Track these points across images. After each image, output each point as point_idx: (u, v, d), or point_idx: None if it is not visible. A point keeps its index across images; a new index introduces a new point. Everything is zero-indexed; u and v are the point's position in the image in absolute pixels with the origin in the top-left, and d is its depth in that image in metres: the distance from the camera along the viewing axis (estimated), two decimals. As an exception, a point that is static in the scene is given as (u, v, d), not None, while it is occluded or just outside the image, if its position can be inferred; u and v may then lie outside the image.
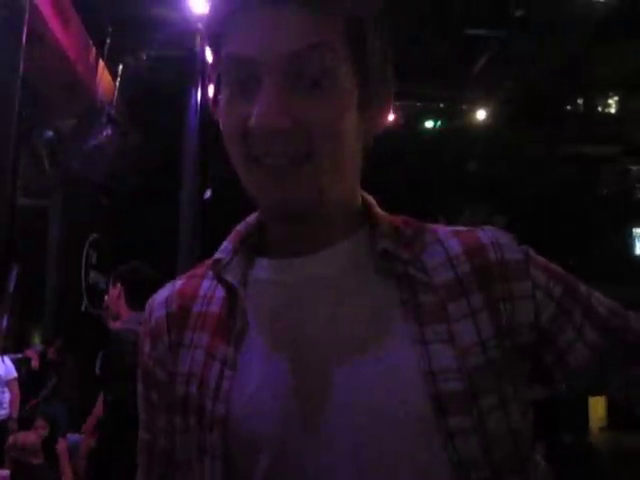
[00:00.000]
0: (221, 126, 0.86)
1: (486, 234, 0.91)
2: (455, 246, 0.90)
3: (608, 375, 0.94)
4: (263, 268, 0.92)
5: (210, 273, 0.94)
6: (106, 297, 4.66)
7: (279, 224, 0.91)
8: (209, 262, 0.94)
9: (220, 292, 0.92)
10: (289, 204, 0.83)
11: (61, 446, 5.29)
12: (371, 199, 0.95)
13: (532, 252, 0.92)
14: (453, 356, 0.83)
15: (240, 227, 0.97)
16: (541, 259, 0.93)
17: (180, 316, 0.94)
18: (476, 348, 0.84)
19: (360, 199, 0.94)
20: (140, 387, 0.99)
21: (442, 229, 0.94)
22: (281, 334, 0.87)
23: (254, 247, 0.95)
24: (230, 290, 0.90)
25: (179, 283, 0.98)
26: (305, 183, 0.82)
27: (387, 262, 0.87)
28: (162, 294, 0.99)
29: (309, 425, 0.82)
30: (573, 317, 0.91)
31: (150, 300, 1.00)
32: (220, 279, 0.91)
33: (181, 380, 0.91)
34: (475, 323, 0.85)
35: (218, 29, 0.86)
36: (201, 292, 0.95)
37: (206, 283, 0.95)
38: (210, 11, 0.88)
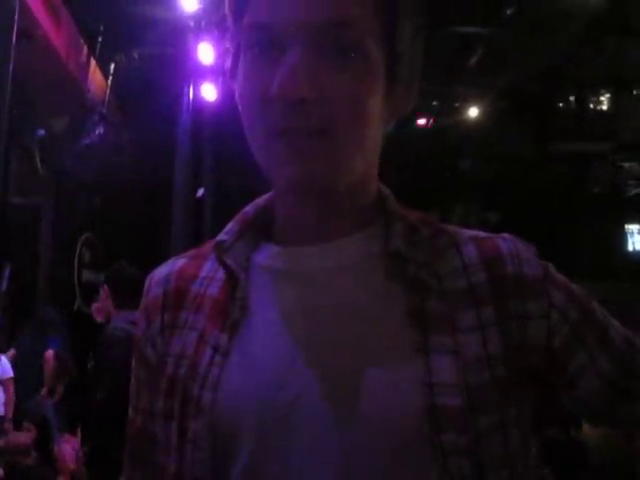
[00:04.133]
0: (238, 98, 0.83)
1: (506, 244, 0.86)
2: (472, 253, 0.85)
3: (618, 408, 0.89)
4: (269, 254, 0.88)
5: (213, 254, 0.90)
6: (92, 305, 4.69)
7: (291, 205, 0.87)
8: (213, 242, 0.90)
9: (221, 274, 0.89)
10: (306, 178, 0.79)
11: (63, 448, 5.28)
12: (388, 192, 0.91)
13: (552, 269, 0.88)
14: (455, 369, 0.78)
15: (248, 209, 0.93)
16: (561, 277, 0.88)
17: (177, 296, 0.91)
18: (481, 364, 0.79)
19: (377, 190, 0.90)
20: (133, 365, 0.96)
21: (461, 232, 0.89)
22: (282, 325, 0.83)
23: (261, 231, 0.91)
24: (231, 274, 0.87)
25: (181, 262, 0.95)
26: (323, 158, 0.78)
27: (398, 263, 0.83)
28: (161, 271, 0.96)
29: (293, 422, 0.79)
30: (587, 343, 0.86)
31: (149, 276, 0.97)
32: (221, 262, 0.88)
33: (171, 361, 0.88)
34: (483, 337, 0.80)
35: None
36: (202, 272, 0.92)
37: (208, 264, 0.92)
38: None
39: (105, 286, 3.90)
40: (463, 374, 0.78)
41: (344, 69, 0.77)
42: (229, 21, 0.85)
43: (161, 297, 0.93)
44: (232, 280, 0.87)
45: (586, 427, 5.85)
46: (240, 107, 0.83)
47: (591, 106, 12.16)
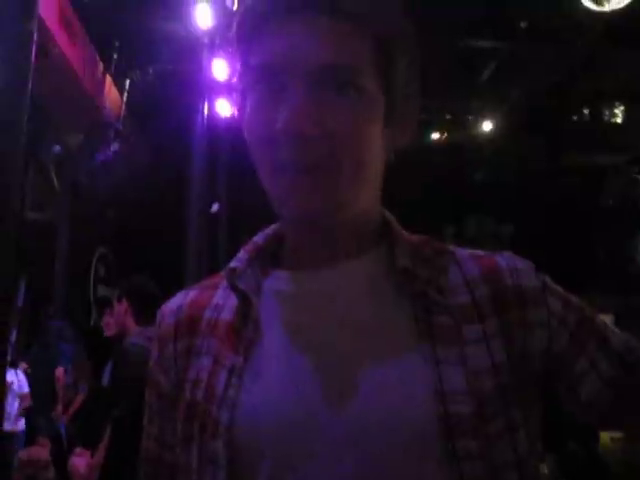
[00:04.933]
0: (246, 134, 0.87)
1: (504, 259, 0.91)
2: (473, 269, 0.90)
3: (620, 410, 0.92)
4: (279, 279, 0.92)
5: (224, 283, 0.94)
6: (104, 319, 4.69)
7: (298, 234, 0.92)
8: (224, 271, 0.94)
9: (233, 300, 0.92)
10: (307, 212, 0.83)
11: (76, 461, 5.29)
12: (391, 216, 0.95)
13: (549, 280, 0.92)
14: (464, 379, 0.82)
15: (257, 238, 0.97)
16: (558, 288, 0.92)
17: (190, 324, 0.94)
18: (488, 373, 0.83)
19: (380, 215, 0.94)
20: (146, 394, 0.99)
21: (461, 251, 0.94)
22: (294, 345, 0.86)
23: (270, 259, 0.95)
24: (244, 299, 0.90)
25: (192, 293, 0.99)
26: (324, 192, 0.83)
27: (405, 280, 0.87)
28: (174, 302, 0.99)
29: (310, 436, 0.82)
30: (587, 348, 0.90)
31: (162, 308, 1.00)
32: (234, 287, 0.91)
33: (188, 387, 0.91)
34: (488, 347, 0.85)
35: (248, 34, 0.87)
36: (214, 300, 0.95)
37: (219, 292, 0.95)
38: (238, 21, 0.89)
39: (123, 300, 3.88)
40: (472, 382, 0.82)
41: (343, 106, 0.82)
42: (237, 62, 0.90)
43: (173, 326, 0.96)
44: (245, 304, 0.90)
45: (605, 440, 5.80)
46: (248, 143, 0.87)
47: (605, 119, 12.13)
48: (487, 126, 10.97)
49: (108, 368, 5.15)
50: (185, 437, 0.89)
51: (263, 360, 0.86)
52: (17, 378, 6.59)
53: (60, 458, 5.41)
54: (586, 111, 12.00)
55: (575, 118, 12.00)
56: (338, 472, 0.80)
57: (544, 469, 4.71)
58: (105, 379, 5.28)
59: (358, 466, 0.80)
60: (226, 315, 0.92)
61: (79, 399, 7.36)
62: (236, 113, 0.93)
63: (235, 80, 0.91)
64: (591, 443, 5.61)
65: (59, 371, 7.09)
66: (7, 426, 5.95)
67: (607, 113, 12.08)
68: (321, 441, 0.81)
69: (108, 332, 4.55)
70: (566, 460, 5.22)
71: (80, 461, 5.16)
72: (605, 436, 5.73)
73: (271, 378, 0.85)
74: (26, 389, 6.77)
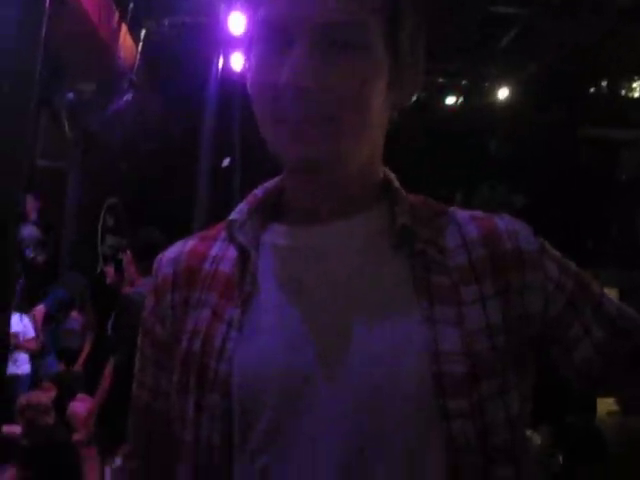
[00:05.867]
0: (249, 87, 0.88)
1: (503, 222, 0.92)
2: (472, 231, 0.90)
3: (613, 377, 0.93)
4: (277, 233, 0.93)
5: (223, 234, 0.95)
6: (106, 267, 4.72)
7: (299, 186, 0.92)
8: (223, 223, 0.95)
9: (232, 252, 0.93)
10: (311, 158, 0.84)
11: (74, 408, 5.36)
12: (392, 175, 0.95)
13: (547, 245, 0.93)
14: (459, 339, 0.83)
15: (258, 191, 0.97)
16: (556, 253, 0.93)
17: (187, 275, 0.95)
18: (483, 333, 0.84)
19: (381, 174, 0.95)
20: (139, 342, 1.00)
21: (460, 213, 0.94)
22: (292, 299, 0.87)
23: (270, 212, 0.95)
24: (242, 251, 0.91)
25: (190, 243, 0.99)
26: (327, 142, 0.83)
27: (404, 239, 0.88)
28: (171, 252, 1.00)
29: (310, 389, 0.83)
30: (582, 313, 0.91)
31: (158, 257, 1.01)
32: (232, 239, 0.91)
33: (185, 338, 0.91)
34: (484, 309, 0.85)
35: None
36: (212, 252, 0.96)
37: (218, 244, 0.96)
38: None
39: (128, 251, 3.90)
40: (467, 343, 0.83)
41: (348, 62, 0.83)
42: (245, 16, 0.92)
43: (171, 276, 0.96)
44: (243, 256, 0.90)
45: (601, 414, 5.84)
46: (251, 95, 0.88)
47: (623, 92, 11.99)
48: (503, 94, 10.85)
49: (112, 318, 5.21)
50: (181, 387, 0.90)
51: (261, 314, 0.87)
52: (21, 323, 6.65)
53: (62, 403, 5.49)
54: (604, 83, 11.85)
55: (593, 90, 11.85)
56: (334, 425, 0.82)
57: (537, 439, 4.74)
58: (109, 329, 5.33)
59: (352, 421, 0.82)
60: (224, 267, 0.93)
61: (87, 347, 7.44)
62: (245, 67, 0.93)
63: (245, 34, 0.92)
64: (588, 416, 5.65)
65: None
66: (12, 369, 6.02)
67: (625, 87, 11.93)
68: (318, 393, 0.83)
69: (109, 280, 4.60)
70: (563, 432, 5.26)
71: (80, 406, 5.24)
72: (602, 409, 5.77)
73: (269, 332, 0.86)
74: (31, 333, 6.83)
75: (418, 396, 0.81)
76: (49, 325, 7.27)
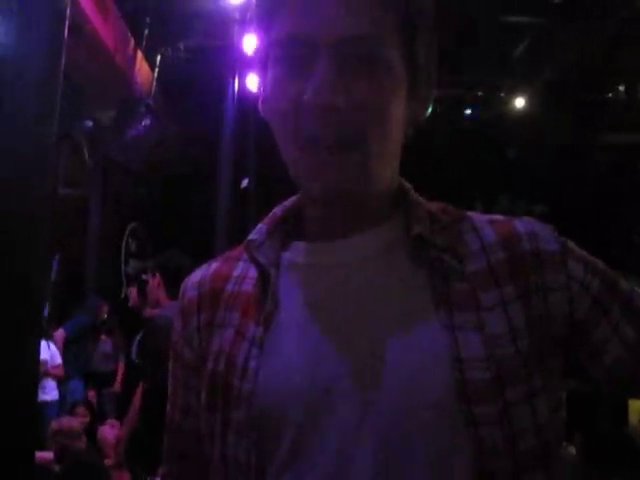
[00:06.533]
0: (267, 108, 0.87)
1: (522, 224, 0.90)
2: (490, 235, 0.89)
3: None
4: (298, 251, 0.93)
5: (245, 255, 0.95)
6: (129, 289, 4.74)
7: (319, 207, 0.91)
8: (244, 243, 0.95)
9: (253, 272, 0.93)
10: (336, 191, 0.83)
11: (104, 432, 5.38)
12: (408, 185, 0.95)
13: (571, 244, 0.91)
14: (481, 345, 0.82)
15: (277, 210, 0.97)
16: (580, 251, 0.91)
17: (212, 297, 0.96)
18: (506, 338, 0.83)
19: (397, 184, 0.94)
20: (171, 366, 1.01)
21: (478, 217, 0.93)
22: (312, 315, 0.88)
23: (290, 231, 0.95)
24: (262, 271, 0.91)
25: (214, 265, 1.00)
26: (354, 171, 0.83)
27: (421, 247, 0.87)
28: (196, 275, 1.01)
29: (331, 405, 0.83)
30: (610, 312, 0.89)
31: (185, 281, 1.02)
32: (253, 259, 0.92)
33: (211, 358, 0.92)
34: (506, 313, 0.84)
35: (269, 8, 0.86)
36: (235, 273, 0.96)
37: (241, 264, 0.97)
38: None
39: (156, 274, 3.91)
40: (490, 348, 0.82)
41: (370, 79, 0.82)
42: (259, 36, 0.90)
43: (196, 299, 0.97)
44: (264, 276, 0.91)
45: (633, 421, 5.76)
46: (270, 117, 0.87)
47: (641, 96, 11.91)
48: (520, 103, 10.83)
49: (136, 342, 5.23)
50: (209, 407, 0.91)
51: (283, 331, 0.88)
52: (49, 350, 6.70)
53: (92, 428, 5.52)
54: (621, 88, 11.79)
55: (610, 95, 11.79)
56: (360, 439, 0.81)
57: (572, 450, 4.69)
58: (133, 353, 5.35)
59: (379, 436, 0.81)
60: (247, 287, 0.93)
61: (121, 369, 7.48)
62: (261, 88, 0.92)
63: (257, 55, 0.91)
64: (620, 424, 5.58)
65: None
66: (40, 396, 6.05)
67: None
68: (342, 411, 0.82)
69: (132, 302, 4.62)
70: (596, 441, 5.19)
71: (109, 431, 5.25)
72: (634, 418, 5.69)
73: (291, 348, 0.86)
74: (58, 360, 6.88)
75: (443, 404, 0.80)
76: (70, 349, 7.31)
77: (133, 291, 4.60)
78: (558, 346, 0.87)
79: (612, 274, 0.92)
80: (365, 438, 0.81)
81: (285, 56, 0.84)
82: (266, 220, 0.96)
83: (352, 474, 0.81)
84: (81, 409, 6.21)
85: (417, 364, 0.82)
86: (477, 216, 0.94)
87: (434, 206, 0.94)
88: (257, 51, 0.91)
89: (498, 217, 0.93)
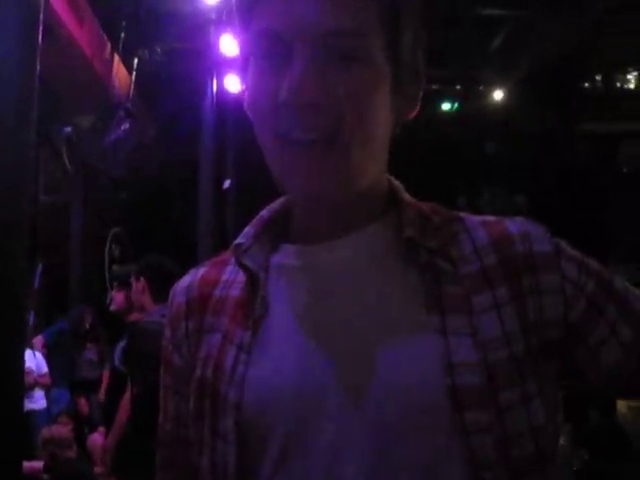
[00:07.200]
0: (249, 106, 0.85)
1: (515, 225, 0.88)
2: (482, 237, 0.87)
3: None
4: (287, 254, 0.90)
5: (233, 259, 0.93)
6: (112, 293, 4.72)
7: (305, 209, 0.90)
8: (231, 247, 0.93)
9: (242, 276, 0.91)
10: (317, 190, 0.81)
11: (94, 440, 5.36)
12: (398, 184, 0.93)
13: (564, 244, 0.89)
14: (474, 349, 0.80)
15: (264, 212, 0.95)
16: (574, 252, 0.89)
17: (200, 302, 0.94)
18: (499, 342, 0.81)
19: (387, 184, 0.92)
20: (162, 373, 0.99)
21: (470, 218, 0.91)
22: (301, 319, 0.86)
23: (279, 232, 0.93)
24: (251, 275, 0.89)
25: (202, 270, 0.98)
26: (335, 169, 0.80)
27: (412, 250, 0.85)
28: (184, 281, 0.99)
29: (320, 410, 0.81)
30: (606, 313, 0.86)
31: (173, 287, 1.00)
32: (240, 264, 0.90)
33: (199, 364, 0.90)
34: (499, 316, 0.82)
35: (249, 3, 0.84)
36: (223, 277, 0.94)
37: (229, 268, 0.95)
38: None
39: (141, 279, 3.89)
40: (482, 353, 0.80)
41: (350, 74, 0.79)
42: (237, 29, 0.88)
43: (184, 305, 0.96)
44: (252, 280, 0.89)
45: (621, 409, 5.80)
46: (251, 113, 0.85)
47: (618, 85, 11.99)
48: (498, 95, 10.88)
49: (118, 349, 5.20)
50: (197, 414, 0.89)
51: (271, 336, 0.86)
52: (35, 359, 6.65)
53: (80, 436, 5.48)
54: (598, 77, 11.87)
55: (587, 85, 11.87)
56: (350, 447, 0.80)
57: (562, 440, 4.71)
58: (116, 359, 5.31)
59: (370, 441, 0.80)
60: (235, 291, 0.92)
61: (106, 376, 7.44)
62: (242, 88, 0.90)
63: (239, 52, 0.89)
64: (609, 412, 5.61)
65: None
66: (28, 405, 6.01)
67: (619, 79, 11.94)
68: (331, 416, 0.81)
69: (114, 307, 4.60)
70: (585, 430, 5.23)
71: (99, 439, 5.24)
72: (622, 404, 5.73)
73: (279, 354, 0.85)
74: (45, 369, 6.84)
75: (435, 410, 0.78)
76: (52, 357, 7.25)
77: (116, 295, 4.58)
78: (554, 348, 0.85)
79: (607, 274, 0.90)
80: (355, 444, 0.80)
81: (264, 52, 0.82)
82: (253, 223, 0.94)
83: (343, 479, 0.80)
84: (64, 418, 6.17)
85: (408, 369, 0.80)
86: (469, 217, 0.91)
87: (424, 206, 0.92)
88: (239, 48, 0.89)
89: (490, 218, 0.91)
